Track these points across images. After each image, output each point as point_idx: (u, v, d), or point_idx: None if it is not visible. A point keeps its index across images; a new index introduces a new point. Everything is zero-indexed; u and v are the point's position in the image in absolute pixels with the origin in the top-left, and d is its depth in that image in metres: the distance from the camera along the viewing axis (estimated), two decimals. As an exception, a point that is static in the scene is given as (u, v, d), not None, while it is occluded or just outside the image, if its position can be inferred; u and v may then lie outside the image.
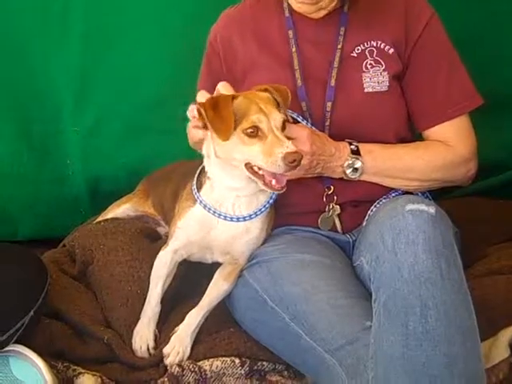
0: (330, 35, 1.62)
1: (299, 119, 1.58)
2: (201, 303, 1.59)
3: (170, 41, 2.22)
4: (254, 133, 1.41)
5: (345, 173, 1.57)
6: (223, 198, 1.57)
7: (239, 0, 1.80)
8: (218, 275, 1.63)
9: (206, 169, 1.58)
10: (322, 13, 1.59)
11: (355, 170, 1.57)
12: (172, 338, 1.54)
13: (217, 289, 1.61)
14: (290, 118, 1.53)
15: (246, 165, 1.45)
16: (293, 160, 1.36)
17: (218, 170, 1.55)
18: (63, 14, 2.20)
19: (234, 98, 1.44)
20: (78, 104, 2.28)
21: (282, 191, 1.44)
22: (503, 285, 1.57)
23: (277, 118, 1.43)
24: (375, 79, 1.60)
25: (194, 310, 1.57)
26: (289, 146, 1.38)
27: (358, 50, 1.62)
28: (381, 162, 1.58)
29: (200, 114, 1.45)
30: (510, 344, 1.40)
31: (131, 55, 2.25)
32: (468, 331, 1.22)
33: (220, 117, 1.40)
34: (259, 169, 1.43)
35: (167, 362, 1.51)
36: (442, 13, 1.65)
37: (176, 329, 1.56)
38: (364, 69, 1.61)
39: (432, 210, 1.31)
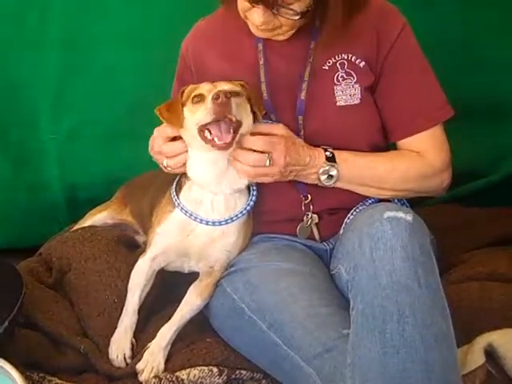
0: (300, 49, 1.61)
1: (269, 122, 1.59)
2: (173, 318, 1.58)
3: (149, 47, 2.22)
4: (199, 99, 1.49)
5: (319, 179, 1.57)
6: (201, 198, 1.58)
7: (216, 8, 1.80)
8: (192, 290, 1.63)
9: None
10: (282, 38, 1.58)
11: (330, 176, 1.57)
12: (145, 355, 1.53)
13: (190, 304, 1.61)
14: (259, 116, 1.55)
15: (200, 133, 1.49)
16: (216, 96, 1.41)
17: (193, 164, 1.57)
18: (41, 20, 2.18)
19: (185, 88, 1.56)
20: (56, 110, 2.26)
21: (226, 149, 1.47)
22: (477, 291, 1.59)
23: (224, 85, 1.50)
24: (347, 92, 1.59)
25: (165, 326, 1.57)
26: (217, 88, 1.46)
27: (329, 62, 1.60)
28: (355, 170, 1.58)
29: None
30: (486, 350, 1.41)
31: (109, 61, 2.24)
32: (445, 338, 1.23)
33: (171, 112, 1.54)
34: (210, 133, 1.46)
35: (141, 378, 1.50)
36: (413, 20, 1.65)
37: (148, 345, 1.55)
38: (336, 81, 1.60)
39: (409, 217, 1.32)
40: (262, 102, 1.56)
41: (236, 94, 1.50)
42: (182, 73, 1.77)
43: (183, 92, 1.56)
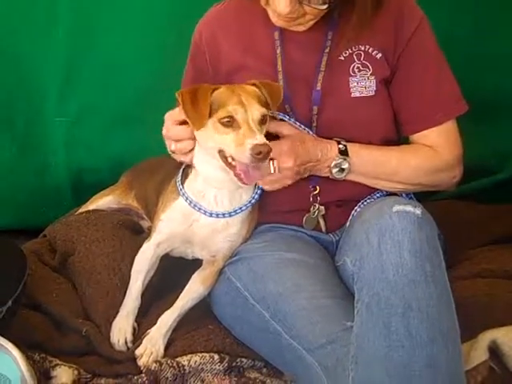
0: (317, 39, 1.60)
1: (285, 118, 1.57)
2: (174, 305, 1.58)
3: (157, 32, 2.21)
4: (230, 122, 1.43)
5: (331, 172, 1.57)
6: (206, 190, 1.57)
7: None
8: (195, 277, 1.63)
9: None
10: (301, 28, 1.56)
11: (341, 170, 1.57)
12: (144, 340, 1.53)
13: (192, 292, 1.61)
14: (277, 116, 1.52)
15: (219, 153, 1.46)
16: (258, 152, 1.37)
17: (201, 159, 1.56)
18: (50, 3, 2.18)
19: (215, 89, 1.47)
20: (63, 94, 2.27)
21: (249, 185, 1.47)
22: (483, 288, 1.58)
23: (255, 111, 1.44)
24: (362, 84, 1.58)
25: (167, 312, 1.57)
26: (258, 138, 1.39)
27: (345, 53, 1.59)
28: (368, 164, 1.58)
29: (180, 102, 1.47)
30: (490, 347, 1.41)
31: (118, 46, 2.24)
32: (450, 333, 1.22)
33: (196, 107, 1.44)
34: (233, 159, 1.44)
35: (140, 363, 1.50)
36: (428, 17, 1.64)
37: (148, 331, 1.55)
38: (351, 73, 1.59)
39: (418, 211, 1.31)
40: (277, 100, 1.52)
41: (264, 118, 1.46)
42: (195, 58, 1.75)
43: (213, 91, 1.46)
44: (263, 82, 1.52)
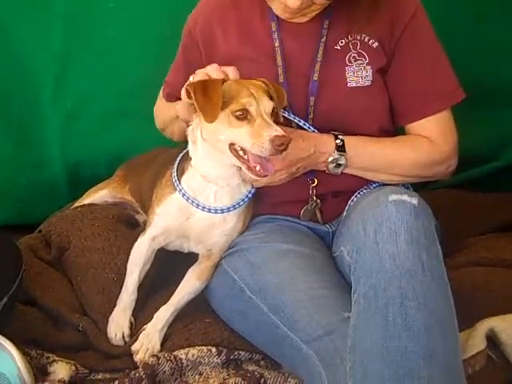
0: (313, 28, 1.59)
1: (286, 114, 1.56)
2: (170, 301, 1.58)
3: (153, 25, 2.20)
4: (243, 115, 1.40)
5: (327, 167, 1.56)
6: (205, 187, 1.55)
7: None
8: (191, 272, 1.62)
9: (190, 154, 1.57)
10: (304, 19, 1.56)
11: (338, 165, 1.56)
12: (140, 336, 1.53)
13: (188, 287, 1.60)
14: (281, 115, 1.51)
15: (230, 146, 1.43)
16: (280, 143, 1.36)
17: (202, 157, 1.53)
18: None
19: (224, 81, 1.44)
20: (59, 87, 2.25)
21: (265, 178, 1.44)
22: (481, 276, 1.59)
23: (267, 103, 1.43)
24: (359, 73, 1.57)
25: (163, 308, 1.57)
26: (277, 130, 1.37)
27: (341, 42, 1.58)
28: (365, 159, 1.57)
29: (188, 94, 1.44)
30: (487, 335, 1.41)
31: (114, 39, 2.22)
32: (447, 323, 1.22)
33: (208, 99, 1.40)
34: (244, 153, 1.42)
35: (136, 359, 1.50)
36: (424, 5, 1.63)
37: (144, 326, 1.55)
38: (347, 62, 1.58)
39: (415, 200, 1.30)
40: (282, 102, 1.51)
41: (274, 111, 1.45)
42: (187, 49, 1.72)
43: (223, 82, 1.43)
44: (271, 82, 1.50)
